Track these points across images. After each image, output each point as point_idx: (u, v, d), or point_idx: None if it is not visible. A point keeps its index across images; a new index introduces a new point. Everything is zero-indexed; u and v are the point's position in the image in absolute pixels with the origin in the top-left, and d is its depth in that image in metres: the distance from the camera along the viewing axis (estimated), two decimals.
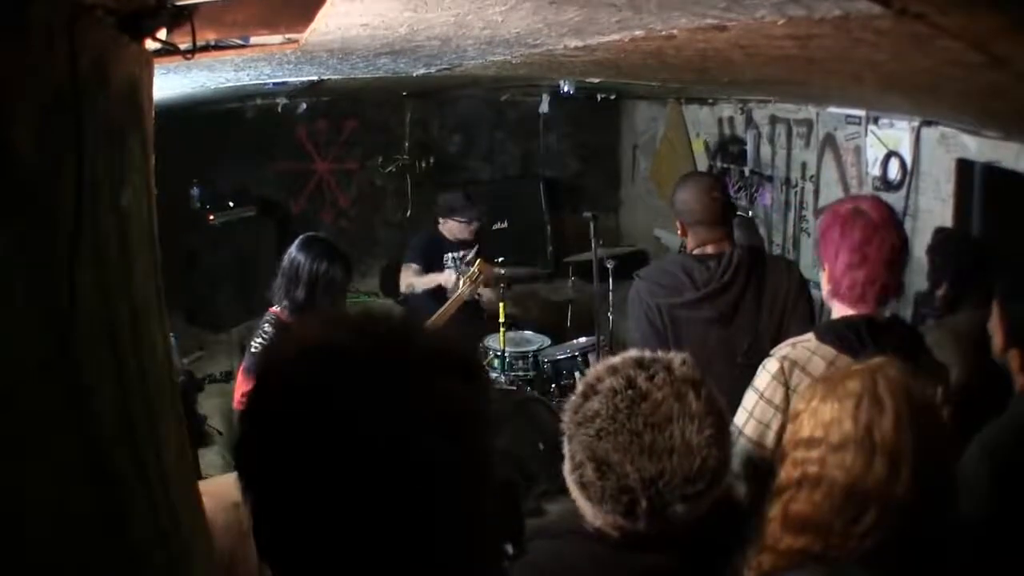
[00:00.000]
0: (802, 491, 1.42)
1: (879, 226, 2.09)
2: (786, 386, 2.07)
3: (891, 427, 1.36)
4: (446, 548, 0.81)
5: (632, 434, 1.31)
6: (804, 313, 2.73)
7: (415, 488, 0.79)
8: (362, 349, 0.83)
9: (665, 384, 1.36)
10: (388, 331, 0.87)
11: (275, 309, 3.27)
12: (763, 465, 2.08)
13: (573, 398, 1.42)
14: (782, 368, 2.09)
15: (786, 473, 1.47)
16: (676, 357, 1.42)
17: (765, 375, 2.12)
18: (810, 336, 2.14)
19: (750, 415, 2.12)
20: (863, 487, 1.35)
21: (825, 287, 2.20)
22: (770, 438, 2.07)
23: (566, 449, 1.42)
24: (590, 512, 1.42)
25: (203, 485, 1.95)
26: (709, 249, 2.80)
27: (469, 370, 0.87)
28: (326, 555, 0.80)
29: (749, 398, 2.14)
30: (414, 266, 5.01)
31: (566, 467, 1.42)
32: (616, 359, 1.44)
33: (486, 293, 5.00)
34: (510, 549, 0.91)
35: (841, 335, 2.08)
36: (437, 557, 0.81)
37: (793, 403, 1.60)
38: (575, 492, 1.42)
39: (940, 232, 3.46)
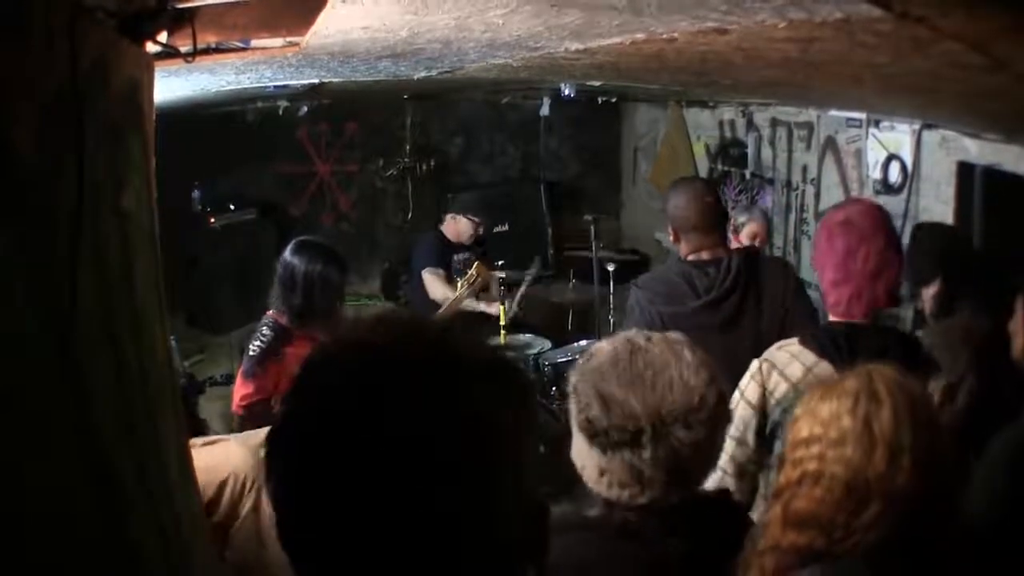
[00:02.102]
0: (802, 488, 1.42)
1: (865, 237, 2.07)
2: (762, 386, 2.12)
3: (889, 419, 1.37)
4: (453, 556, 0.81)
5: (634, 373, 1.42)
6: (803, 312, 2.73)
7: (427, 492, 0.78)
8: (401, 350, 0.83)
9: (661, 342, 1.48)
10: (430, 334, 0.87)
11: (273, 312, 3.26)
12: (746, 463, 2.12)
13: (579, 360, 1.53)
14: (760, 368, 2.13)
15: (785, 475, 1.47)
16: (670, 333, 1.55)
17: (747, 375, 2.17)
18: (794, 340, 2.16)
19: (733, 413, 2.14)
20: (864, 479, 1.35)
21: (822, 297, 2.22)
22: (750, 437, 2.12)
23: (572, 401, 1.48)
24: (595, 464, 1.43)
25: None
26: (705, 255, 2.78)
27: (510, 384, 0.87)
28: (337, 549, 0.80)
29: (734, 397, 2.16)
30: (441, 271, 4.93)
31: (573, 412, 1.47)
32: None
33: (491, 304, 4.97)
34: (530, 572, 0.89)
35: (821, 342, 2.09)
36: (442, 564, 0.80)
37: (783, 410, 1.62)
38: (581, 439, 1.45)
39: (922, 226, 3.38)
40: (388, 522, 0.78)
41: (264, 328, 3.23)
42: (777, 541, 1.43)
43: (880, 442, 1.36)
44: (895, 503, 1.34)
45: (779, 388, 2.08)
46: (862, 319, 2.10)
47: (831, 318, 2.18)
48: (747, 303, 2.71)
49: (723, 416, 1.44)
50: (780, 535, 1.43)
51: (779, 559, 1.42)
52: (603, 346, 1.51)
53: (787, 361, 2.11)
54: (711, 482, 2.12)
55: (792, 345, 2.14)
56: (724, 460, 2.14)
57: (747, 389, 2.14)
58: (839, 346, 2.05)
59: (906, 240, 3.21)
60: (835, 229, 2.11)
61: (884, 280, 2.09)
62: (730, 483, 2.09)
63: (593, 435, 1.42)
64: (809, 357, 2.08)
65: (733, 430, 2.13)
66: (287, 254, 3.27)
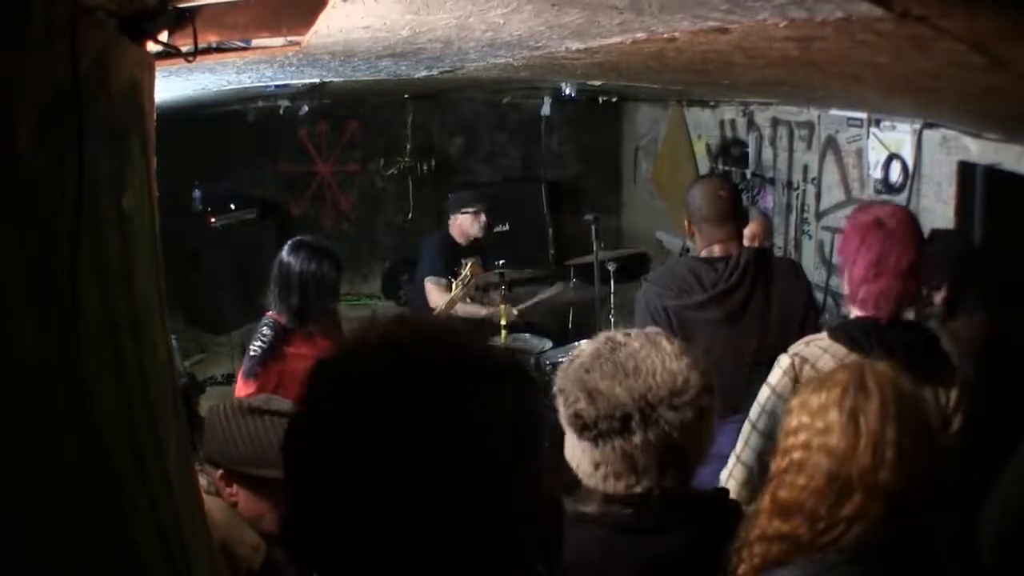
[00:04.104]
0: (787, 476, 1.44)
1: (898, 239, 2.11)
2: (796, 381, 2.12)
3: (876, 413, 1.38)
4: (471, 552, 0.81)
5: (616, 364, 1.44)
6: (811, 316, 2.77)
7: (450, 489, 0.78)
8: (419, 351, 0.83)
9: (640, 337, 1.50)
10: (445, 336, 0.87)
11: (272, 312, 3.26)
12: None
13: (563, 363, 1.54)
14: (793, 364, 2.15)
15: (776, 464, 1.49)
16: (649, 328, 1.59)
17: (777, 371, 2.18)
18: (823, 335, 2.18)
19: (763, 409, 2.17)
20: (847, 471, 1.36)
21: (844, 289, 2.24)
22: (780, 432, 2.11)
23: (560, 401, 1.49)
24: (589, 458, 1.45)
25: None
26: (716, 250, 2.81)
27: (525, 382, 0.88)
28: (348, 549, 0.80)
29: (763, 393, 2.19)
30: (443, 280, 4.79)
31: (561, 410, 1.49)
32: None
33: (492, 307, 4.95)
34: (542, 568, 0.90)
35: (852, 334, 2.12)
36: (461, 560, 0.80)
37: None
38: (572, 435, 1.46)
39: (935, 233, 3.44)
40: (404, 523, 0.78)
41: (264, 328, 3.23)
42: (764, 530, 1.44)
43: (865, 434, 1.37)
44: (878, 497, 1.34)
45: None
46: (889, 316, 2.13)
47: (856, 314, 2.20)
48: (755, 299, 2.73)
49: (709, 402, 1.45)
50: (767, 523, 1.44)
51: (766, 548, 1.43)
52: (584, 347, 1.54)
53: (818, 355, 2.13)
54: (738, 478, 2.15)
55: (821, 340, 2.17)
56: (750, 456, 2.16)
57: (778, 385, 2.15)
58: (870, 338, 2.08)
59: None
60: (869, 229, 2.15)
61: (912, 283, 2.14)
62: (756, 480, 2.09)
63: (583, 428, 1.43)
64: (840, 350, 2.11)
65: (762, 424, 2.16)
66: (283, 254, 3.28)
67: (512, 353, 1.12)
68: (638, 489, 1.44)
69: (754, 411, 2.19)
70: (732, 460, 2.20)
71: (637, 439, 1.39)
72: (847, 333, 2.13)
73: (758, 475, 2.10)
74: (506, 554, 0.84)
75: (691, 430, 1.41)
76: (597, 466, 1.45)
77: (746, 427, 2.19)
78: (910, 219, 2.20)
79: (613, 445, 1.41)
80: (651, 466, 1.42)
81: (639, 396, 1.40)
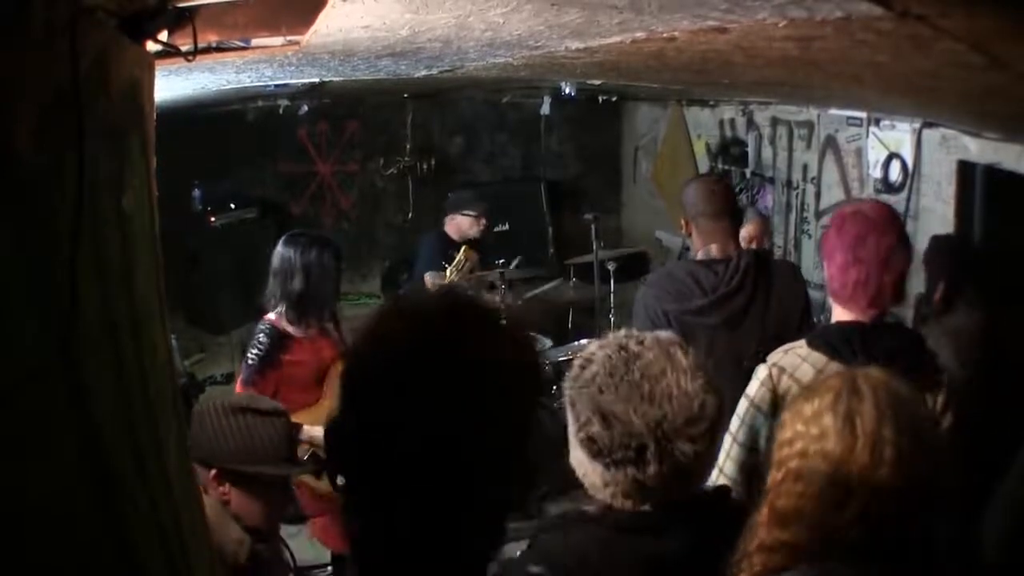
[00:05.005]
0: (785, 485, 1.43)
1: (875, 226, 2.08)
2: (774, 391, 2.09)
3: (872, 413, 1.37)
4: (470, 550, 0.83)
5: (631, 385, 1.39)
6: (807, 324, 2.76)
7: (449, 488, 0.82)
8: (416, 347, 0.86)
9: (654, 346, 1.45)
10: (443, 330, 0.89)
11: (271, 317, 3.22)
12: (755, 469, 2.08)
13: (572, 370, 1.49)
14: (770, 374, 2.11)
15: (772, 477, 1.48)
16: (660, 332, 1.54)
17: (755, 381, 2.14)
18: (802, 343, 2.14)
19: (742, 421, 2.13)
20: (846, 473, 1.36)
21: (828, 285, 2.21)
22: (761, 443, 2.08)
23: (570, 414, 1.46)
24: (599, 477, 1.43)
25: None
26: (714, 251, 2.79)
27: (521, 377, 0.94)
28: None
29: (741, 405, 2.14)
30: (442, 275, 4.75)
31: (572, 429, 1.46)
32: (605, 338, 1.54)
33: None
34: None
35: (832, 342, 2.07)
36: (462, 562, 0.82)
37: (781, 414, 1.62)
38: (583, 454, 1.43)
39: (934, 239, 3.46)
40: (405, 522, 0.82)
41: (260, 335, 3.17)
42: (763, 540, 1.43)
43: (861, 435, 1.36)
44: (878, 497, 1.33)
45: (791, 392, 2.04)
46: (869, 310, 2.08)
47: (839, 311, 2.16)
48: (755, 303, 2.71)
49: (721, 422, 1.43)
50: (766, 534, 1.43)
51: (766, 558, 1.42)
52: (595, 352, 1.48)
53: (797, 364, 2.09)
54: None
55: (800, 348, 2.12)
56: (732, 468, 2.12)
57: (756, 395, 2.11)
58: (852, 345, 2.03)
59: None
60: (846, 219, 2.13)
61: (892, 271, 2.08)
62: (739, 492, 2.07)
63: (597, 453, 1.41)
64: (819, 359, 2.06)
65: (742, 437, 2.11)
66: (280, 247, 3.24)
67: (517, 341, 1.11)
68: (645, 508, 1.43)
69: (734, 423, 2.14)
70: (715, 473, 2.17)
71: (651, 470, 1.37)
72: (827, 341, 2.09)
73: (742, 486, 2.07)
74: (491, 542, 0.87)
75: (703, 457, 1.41)
76: (606, 484, 1.43)
77: (727, 440, 2.14)
78: (890, 212, 2.18)
79: (626, 472, 1.39)
80: (660, 489, 1.40)
81: (655, 425, 1.36)
